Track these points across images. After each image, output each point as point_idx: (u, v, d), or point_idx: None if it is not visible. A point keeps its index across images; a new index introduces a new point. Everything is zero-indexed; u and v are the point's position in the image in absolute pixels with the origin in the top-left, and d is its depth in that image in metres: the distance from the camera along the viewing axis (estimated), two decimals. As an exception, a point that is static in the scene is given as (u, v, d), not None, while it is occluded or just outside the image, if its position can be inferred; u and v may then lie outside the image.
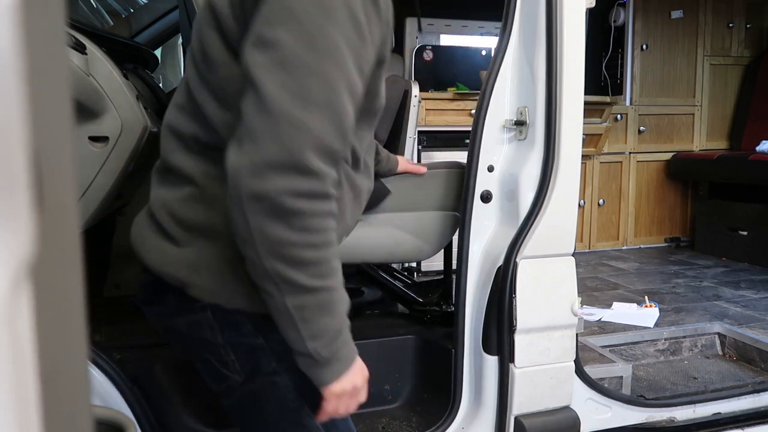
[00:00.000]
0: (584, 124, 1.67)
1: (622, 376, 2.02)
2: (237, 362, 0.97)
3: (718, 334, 2.43)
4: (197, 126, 0.94)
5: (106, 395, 1.43)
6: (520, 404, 1.64)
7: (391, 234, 1.75)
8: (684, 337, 2.40)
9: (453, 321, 1.74)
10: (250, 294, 0.89)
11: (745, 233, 3.64)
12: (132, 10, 2.89)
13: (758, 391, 1.97)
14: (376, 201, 1.65)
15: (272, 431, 1.01)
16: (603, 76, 4.03)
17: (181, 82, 1.00)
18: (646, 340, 2.36)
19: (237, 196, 0.78)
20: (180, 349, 1.21)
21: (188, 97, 0.95)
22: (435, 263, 2.69)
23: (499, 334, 1.63)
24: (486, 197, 1.67)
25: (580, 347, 1.79)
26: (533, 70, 1.62)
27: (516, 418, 1.65)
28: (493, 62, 1.66)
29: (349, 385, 0.90)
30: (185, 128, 0.95)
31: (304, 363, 0.88)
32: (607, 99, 3.73)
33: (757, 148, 3.61)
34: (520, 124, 1.66)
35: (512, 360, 1.63)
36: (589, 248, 4.00)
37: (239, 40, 0.85)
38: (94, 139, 1.37)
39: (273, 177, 0.76)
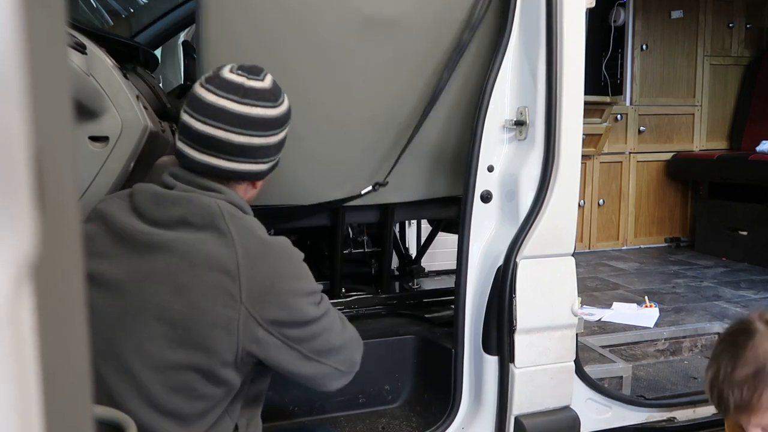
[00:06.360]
0: (584, 124, 1.67)
1: (622, 376, 2.02)
2: None
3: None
4: None
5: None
6: (520, 404, 1.64)
7: None
8: (684, 337, 2.40)
9: (453, 321, 1.74)
10: None
11: (745, 233, 3.63)
12: (132, 10, 2.88)
13: (758, 391, 1.96)
14: None
15: None
16: (603, 76, 4.02)
17: None
18: (646, 340, 2.36)
19: None
20: None
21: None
22: (435, 263, 2.69)
23: (499, 334, 1.63)
24: (486, 197, 1.67)
25: (580, 347, 1.79)
26: (533, 70, 1.62)
27: (516, 418, 1.65)
28: (493, 62, 1.66)
29: None
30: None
31: None
32: (607, 99, 3.73)
33: (757, 148, 3.61)
34: (520, 124, 1.65)
35: (512, 360, 1.63)
36: (589, 248, 4.00)
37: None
38: (94, 139, 1.37)
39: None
